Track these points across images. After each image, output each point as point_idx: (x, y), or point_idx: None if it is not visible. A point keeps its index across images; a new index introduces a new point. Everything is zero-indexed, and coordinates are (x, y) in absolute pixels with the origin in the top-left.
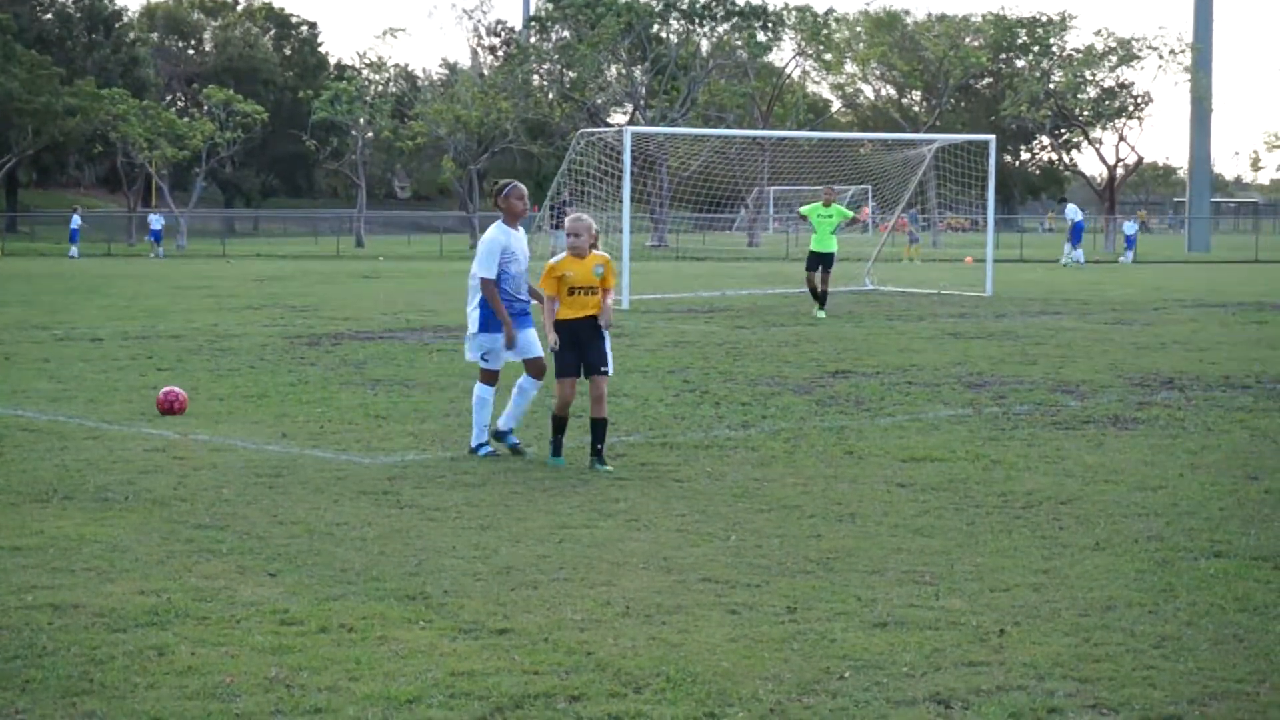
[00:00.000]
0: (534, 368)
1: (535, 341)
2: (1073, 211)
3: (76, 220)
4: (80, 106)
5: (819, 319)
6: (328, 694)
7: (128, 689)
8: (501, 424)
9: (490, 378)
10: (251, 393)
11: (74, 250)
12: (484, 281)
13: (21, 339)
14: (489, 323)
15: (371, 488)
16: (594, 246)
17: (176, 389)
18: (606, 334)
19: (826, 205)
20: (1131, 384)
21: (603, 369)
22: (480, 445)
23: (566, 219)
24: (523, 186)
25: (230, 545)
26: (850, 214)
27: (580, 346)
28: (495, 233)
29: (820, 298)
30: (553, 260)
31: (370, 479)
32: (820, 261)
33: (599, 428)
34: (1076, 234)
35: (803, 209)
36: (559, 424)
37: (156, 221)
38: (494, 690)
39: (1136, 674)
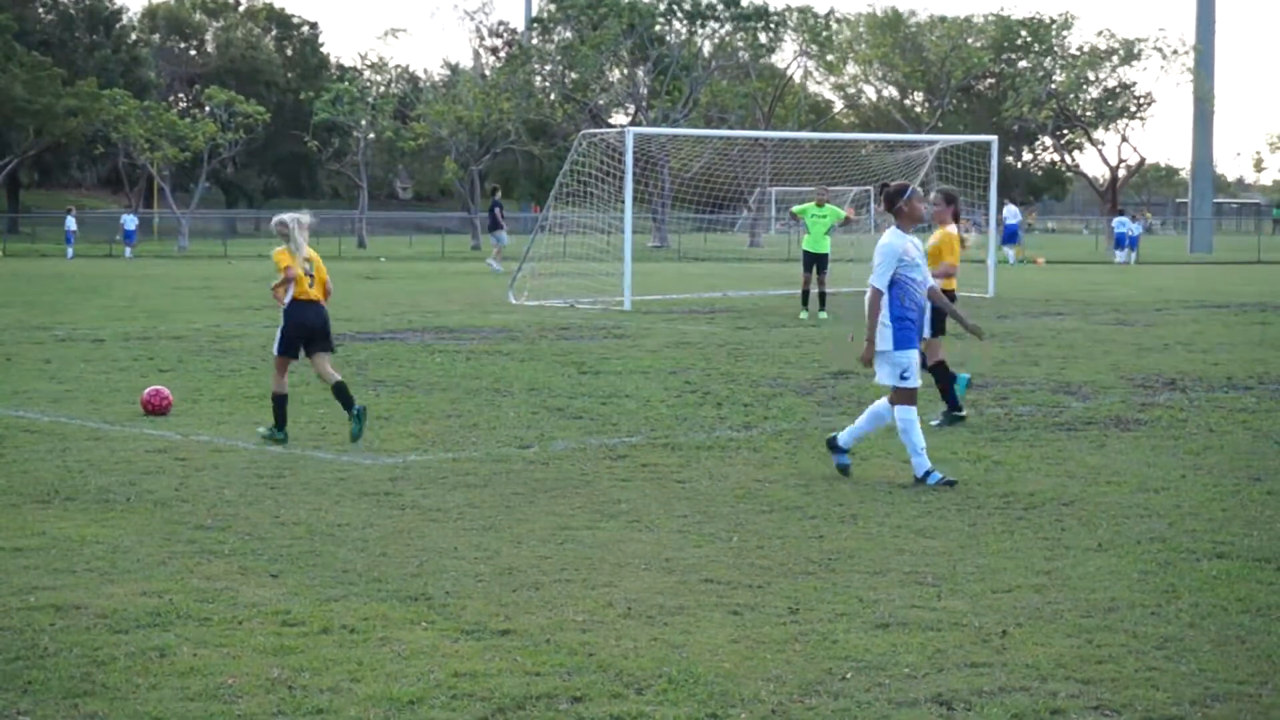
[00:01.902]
0: (903, 395)
1: (916, 367)
2: (1011, 213)
3: (71, 222)
4: (81, 108)
5: (802, 320)
6: (329, 695)
7: (129, 690)
8: (842, 440)
9: (910, 396)
10: (253, 393)
11: (70, 251)
12: (873, 292)
13: (23, 340)
14: (905, 337)
15: (373, 489)
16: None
17: (161, 388)
18: None
19: (820, 205)
20: (1134, 385)
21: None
22: (928, 473)
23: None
24: (920, 190)
25: (232, 546)
26: (843, 214)
27: None
28: (893, 239)
29: (820, 299)
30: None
31: (372, 480)
32: (814, 262)
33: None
34: (1008, 235)
35: (795, 208)
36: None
37: (130, 221)
38: (496, 691)
39: (1139, 675)
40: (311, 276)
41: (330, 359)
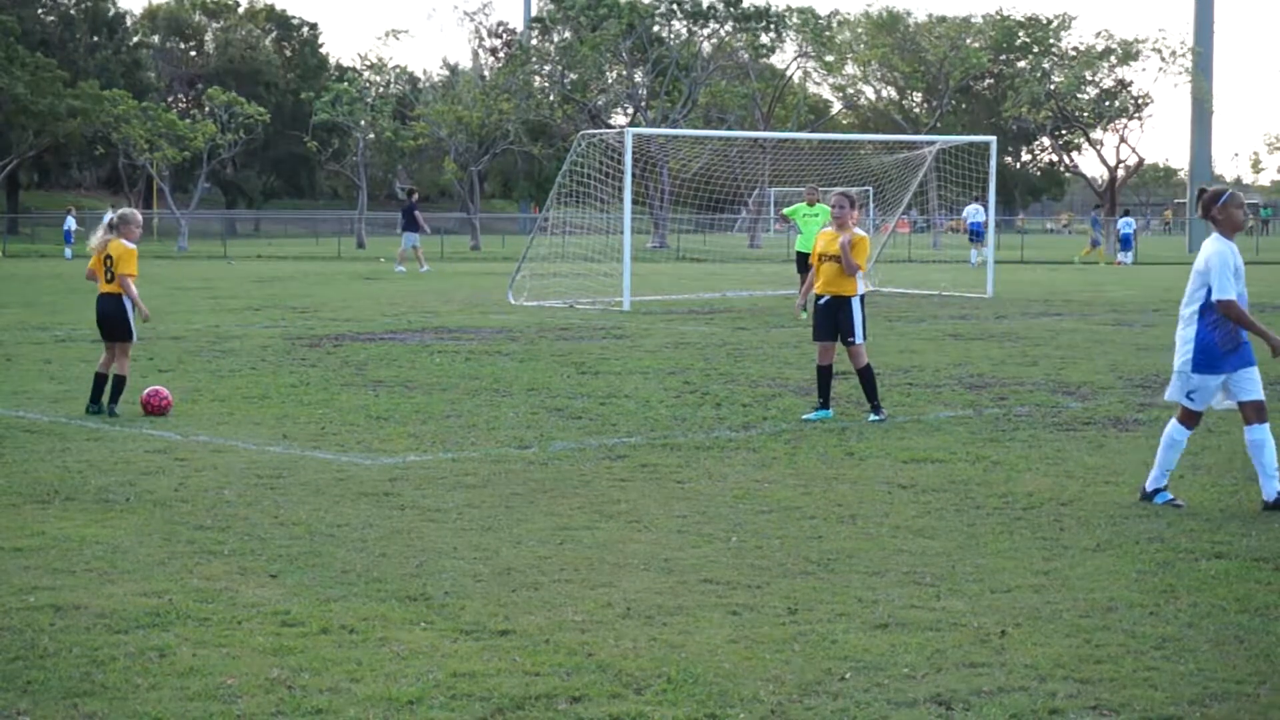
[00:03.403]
0: (1252, 411)
1: (1256, 381)
2: (974, 211)
3: (71, 222)
4: (84, 109)
5: (803, 319)
6: (329, 695)
7: (129, 690)
8: (1150, 484)
9: (1191, 419)
10: (253, 394)
11: (68, 251)
12: (1226, 304)
13: (23, 340)
14: (1205, 360)
15: (372, 489)
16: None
17: (160, 388)
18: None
19: (811, 205)
20: (1132, 385)
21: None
22: (1157, 490)
23: (117, 213)
24: (1240, 194)
25: (231, 546)
26: None
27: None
28: (1222, 246)
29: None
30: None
31: (371, 480)
32: (808, 262)
33: (120, 384)
34: (975, 234)
35: (786, 210)
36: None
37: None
38: (495, 691)
39: (1137, 675)
40: (111, 272)
41: (123, 349)
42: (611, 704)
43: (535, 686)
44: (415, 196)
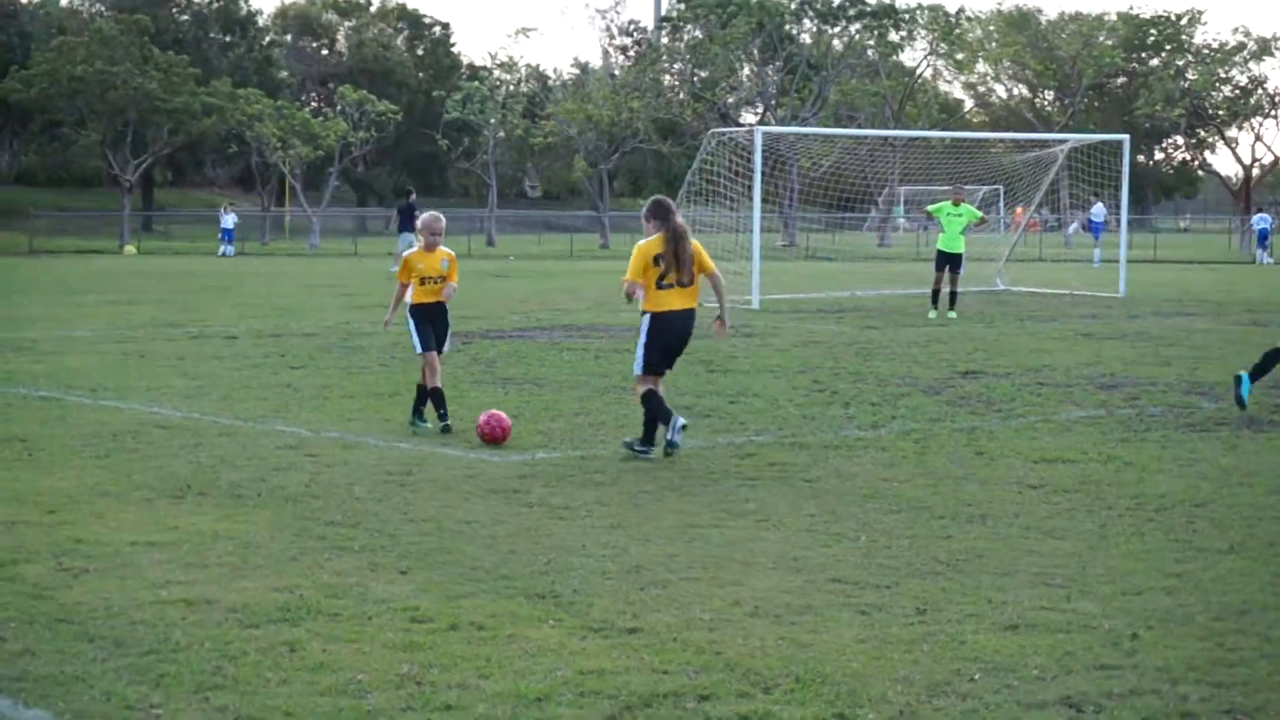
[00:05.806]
0: None
1: None
2: (1097, 212)
3: (230, 219)
4: (218, 106)
5: (931, 319)
6: (458, 691)
7: (260, 684)
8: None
9: None
10: (383, 391)
11: (225, 249)
12: None
13: (156, 337)
14: None
15: (502, 486)
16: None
17: (498, 414)
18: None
19: (956, 205)
20: (1267, 386)
21: (444, 348)
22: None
23: (424, 217)
24: None
25: (361, 543)
26: (979, 215)
27: (433, 325)
28: None
29: (950, 298)
30: (408, 254)
31: (500, 477)
32: (948, 262)
33: (439, 396)
34: (1095, 231)
35: (930, 207)
36: (424, 393)
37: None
38: (623, 689)
39: (1272, 679)
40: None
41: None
42: (739, 703)
43: (663, 685)
44: (413, 197)
